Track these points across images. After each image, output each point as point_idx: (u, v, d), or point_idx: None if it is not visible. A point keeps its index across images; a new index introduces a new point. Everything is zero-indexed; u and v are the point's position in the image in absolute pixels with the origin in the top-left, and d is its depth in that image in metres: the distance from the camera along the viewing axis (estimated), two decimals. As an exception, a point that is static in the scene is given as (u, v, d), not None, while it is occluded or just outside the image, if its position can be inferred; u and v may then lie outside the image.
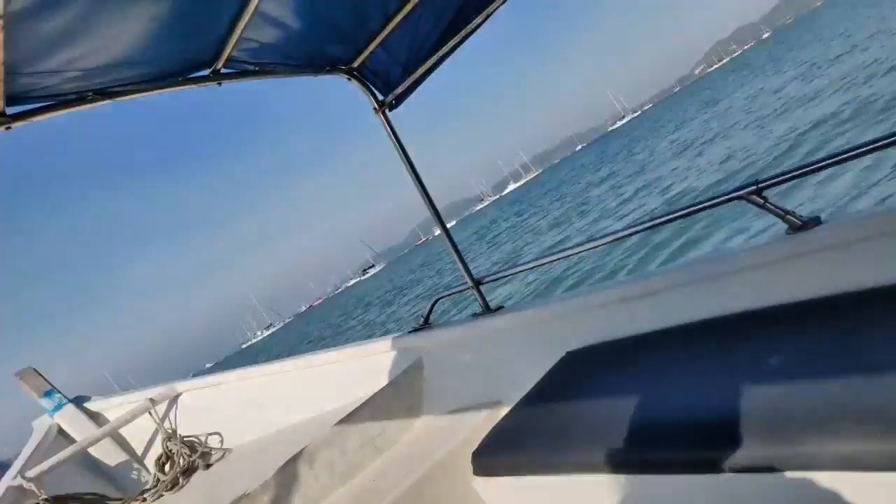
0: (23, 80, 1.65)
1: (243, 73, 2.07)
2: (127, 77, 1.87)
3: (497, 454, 1.72)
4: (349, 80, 2.25)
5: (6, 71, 1.54)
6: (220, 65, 1.98)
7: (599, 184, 28.95)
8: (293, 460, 2.26)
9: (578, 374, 1.90)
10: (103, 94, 1.85)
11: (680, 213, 1.88)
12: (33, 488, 3.39)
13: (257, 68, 2.05)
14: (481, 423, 2.23)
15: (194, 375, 4.01)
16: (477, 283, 2.50)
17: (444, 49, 2.01)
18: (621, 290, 2.01)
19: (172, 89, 1.97)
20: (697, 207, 1.84)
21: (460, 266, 2.52)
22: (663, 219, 1.92)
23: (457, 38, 1.95)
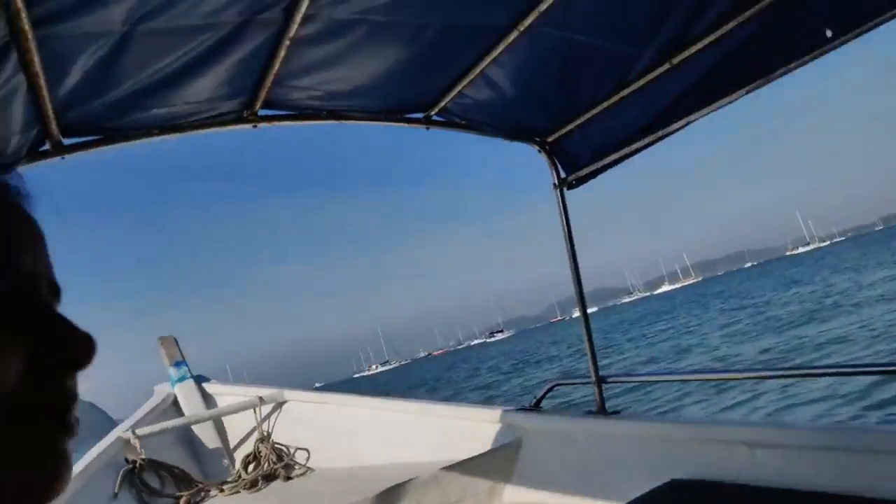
0: (280, 91, 1.95)
1: (449, 124, 2.29)
2: (356, 105, 2.15)
3: None
4: (539, 151, 2.41)
5: (274, 82, 1.84)
6: (433, 112, 2.22)
7: (762, 309, 26.33)
8: (397, 488, 2.30)
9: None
10: (335, 115, 2.13)
11: (851, 369, 1.78)
12: (137, 446, 3.66)
13: (463, 122, 2.27)
14: None
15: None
16: (600, 380, 2.45)
17: (638, 144, 2.11)
18: (751, 431, 1.90)
19: (388, 123, 2.23)
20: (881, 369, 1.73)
21: (589, 357, 2.50)
22: (831, 370, 1.82)
23: (653, 137, 2.04)
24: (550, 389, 2.79)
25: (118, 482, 3.45)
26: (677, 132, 2.04)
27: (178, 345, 4.47)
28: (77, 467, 3.37)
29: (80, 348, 0.44)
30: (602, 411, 2.41)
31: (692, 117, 1.94)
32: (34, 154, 1.78)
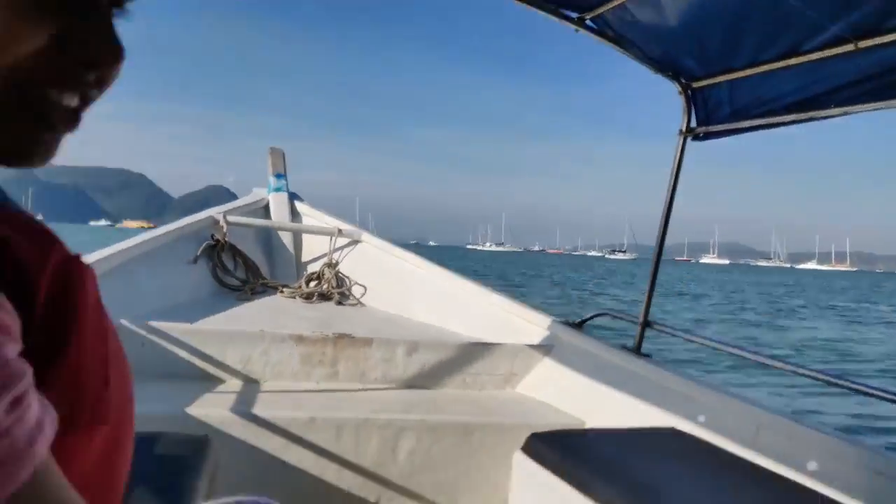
0: None
1: (600, 33, 2.22)
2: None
3: (555, 450, 1.78)
4: (679, 93, 2.31)
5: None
6: (588, 15, 2.15)
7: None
8: (427, 343, 2.51)
9: (676, 453, 1.88)
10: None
11: None
12: (224, 227, 4.07)
13: (614, 36, 2.19)
14: (555, 422, 2.29)
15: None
16: (646, 323, 2.52)
17: (785, 118, 1.98)
18: (764, 414, 1.90)
19: (541, 12, 2.17)
20: None
21: (645, 299, 2.55)
22: None
23: (805, 116, 1.91)
24: (598, 315, 2.89)
25: (199, 251, 3.90)
26: (835, 118, 1.90)
27: (283, 158, 4.79)
28: (170, 227, 3.83)
29: (100, 51, 0.44)
30: (636, 351, 2.49)
31: (857, 108, 1.79)
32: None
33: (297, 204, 4.77)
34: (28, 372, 0.34)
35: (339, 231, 4.39)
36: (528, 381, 2.73)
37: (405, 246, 4.26)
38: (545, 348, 2.78)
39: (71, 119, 0.45)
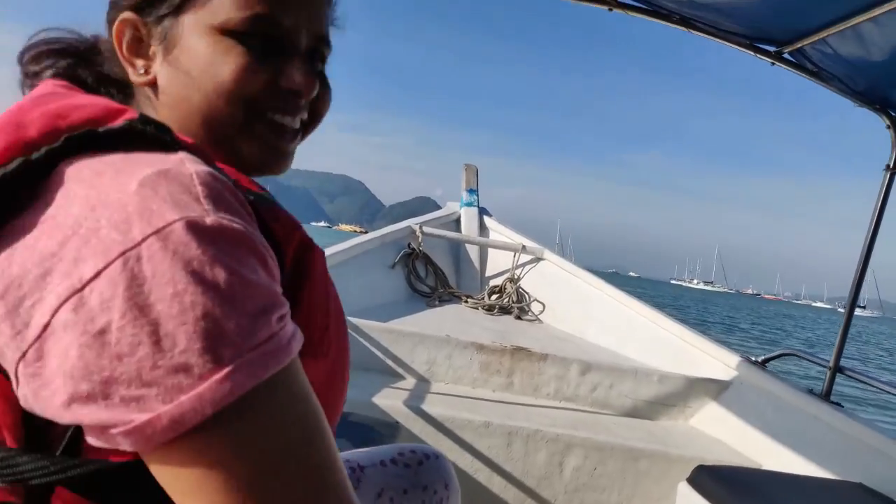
0: None
1: (798, 66, 2.17)
2: (710, 19, 2.14)
3: (722, 485, 1.78)
4: (888, 127, 2.16)
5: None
6: (786, 49, 2.12)
7: None
8: (600, 366, 2.61)
9: None
10: (685, 22, 2.17)
11: None
12: (420, 237, 4.47)
13: (815, 69, 2.13)
14: (727, 459, 2.25)
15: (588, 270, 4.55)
16: (837, 368, 2.37)
17: None
18: None
19: (735, 47, 2.19)
20: None
21: (837, 342, 2.41)
22: None
23: None
24: (784, 355, 2.76)
25: (397, 257, 4.35)
26: None
27: (476, 175, 5.13)
28: (376, 234, 4.32)
29: (304, 83, 0.63)
30: (825, 397, 2.36)
31: None
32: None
33: (486, 219, 5.07)
34: (286, 303, 0.47)
35: (523, 247, 4.59)
36: (703, 416, 2.69)
37: (603, 275, 4.27)
38: (723, 384, 2.71)
39: (294, 137, 0.66)
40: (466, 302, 4.31)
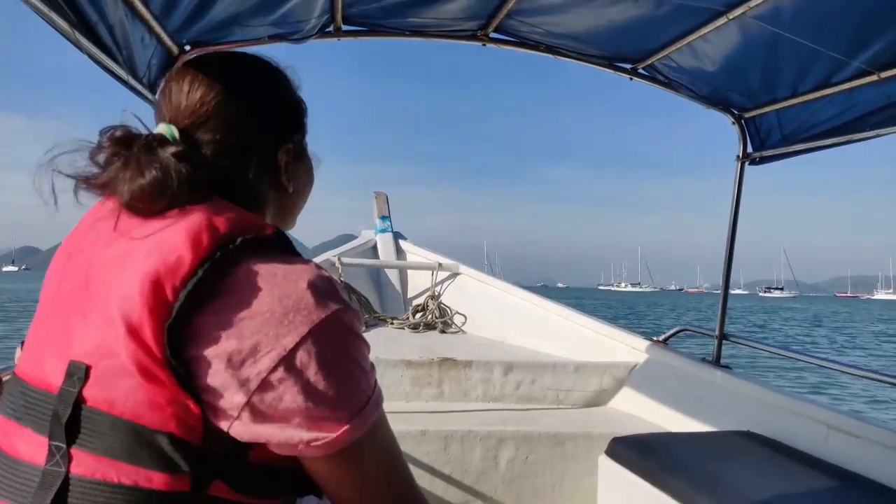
0: (510, 22, 2.29)
1: (653, 79, 2.48)
2: (571, 46, 2.41)
3: (635, 452, 2.01)
4: (733, 123, 2.51)
5: (507, 13, 2.18)
6: (640, 66, 2.43)
7: None
8: (522, 363, 2.81)
9: (751, 454, 2.04)
10: (551, 50, 2.44)
11: None
12: (339, 269, 4.55)
13: (666, 81, 2.44)
14: (640, 430, 2.48)
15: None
16: (722, 336, 2.69)
17: (829, 141, 2.15)
18: (834, 416, 2.02)
19: (597, 67, 2.48)
20: None
21: (719, 314, 2.73)
22: None
23: (845, 139, 2.08)
24: (679, 331, 3.09)
25: None
26: (871, 139, 2.05)
27: (387, 202, 5.30)
28: None
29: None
30: (716, 363, 2.67)
31: (888, 130, 1.95)
32: (320, 34, 2.32)
33: (401, 242, 5.24)
34: None
35: (440, 265, 4.78)
36: (618, 396, 2.97)
37: (532, 289, 4.46)
38: (631, 365, 3.00)
39: None
40: (392, 324, 4.42)
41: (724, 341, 2.69)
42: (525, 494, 2.46)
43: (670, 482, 1.83)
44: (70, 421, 0.62)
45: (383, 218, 5.27)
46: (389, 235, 5.22)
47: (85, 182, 0.72)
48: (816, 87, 2.08)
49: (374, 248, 5.19)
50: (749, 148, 2.53)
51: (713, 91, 2.41)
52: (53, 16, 1.09)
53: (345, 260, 4.64)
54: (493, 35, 2.41)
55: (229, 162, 0.79)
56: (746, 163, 2.54)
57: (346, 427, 0.65)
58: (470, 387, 2.82)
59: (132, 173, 0.69)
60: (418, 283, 4.98)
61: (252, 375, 0.62)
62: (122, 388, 0.62)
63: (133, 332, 0.61)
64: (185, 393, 0.62)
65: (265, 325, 0.63)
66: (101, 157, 0.73)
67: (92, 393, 0.63)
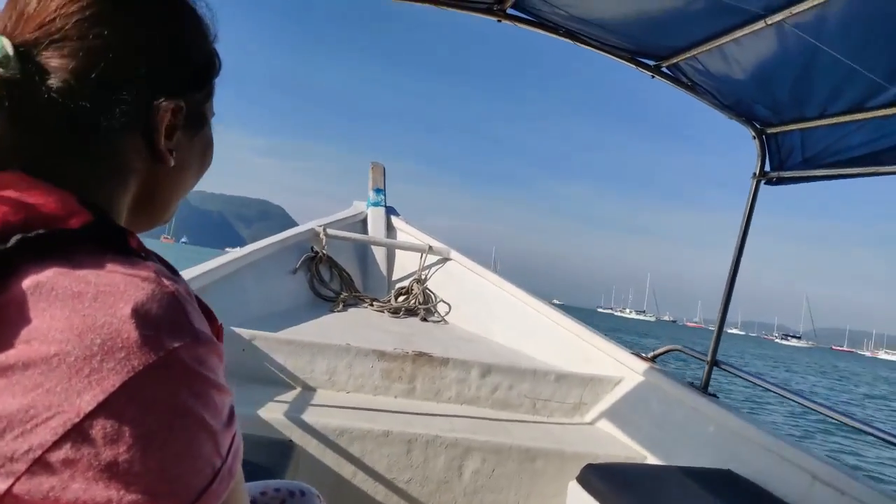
0: (531, 0, 2.11)
1: (675, 80, 2.31)
2: (593, 33, 2.24)
3: (608, 482, 1.88)
4: (753, 137, 2.35)
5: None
6: (664, 64, 2.26)
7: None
8: (501, 366, 2.67)
9: (729, 497, 1.92)
10: (571, 35, 2.26)
11: None
12: (323, 241, 4.35)
13: (689, 83, 2.27)
14: (616, 454, 2.37)
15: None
16: (713, 363, 2.56)
17: (855, 170, 2.00)
18: (821, 466, 1.90)
19: (618, 60, 2.31)
20: None
21: (713, 340, 2.59)
22: None
23: (872, 170, 1.92)
24: (670, 351, 2.95)
25: (299, 262, 4.18)
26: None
27: (384, 174, 5.10)
28: (274, 238, 4.11)
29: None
30: (703, 389, 2.54)
31: None
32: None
33: (394, 219, 5.04)
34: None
35: (430, 248, 4.60)
36: (596, 412, 2.82)
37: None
38: (615, 380, 2.85)
39: None
40: (372, 305, 4.25)
41: (714, 367, 2.55)
42: None
43: None
44: None
45: (378, 191, 5.07)
46: (382, 210, 5.03)
47: None
48: (848, 111, 1.91)
49: (364, 221, 4.99)
50: (767, 167, 2.37)
51: (737, 101, 2.24)
52: None
53: (330, 231, 4.41)
54: (510, 11, 2.23)
55: (78, 104, 0.52)
56: (762, 182, 2.38)
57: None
58: (443, 386, 2.67)
59: None
60: (406, 264, 4.79)
61: (18, 452, 0.40)
62: None
63: None
64: None
65: (50, 376, 0.40)
66: None
67: None
